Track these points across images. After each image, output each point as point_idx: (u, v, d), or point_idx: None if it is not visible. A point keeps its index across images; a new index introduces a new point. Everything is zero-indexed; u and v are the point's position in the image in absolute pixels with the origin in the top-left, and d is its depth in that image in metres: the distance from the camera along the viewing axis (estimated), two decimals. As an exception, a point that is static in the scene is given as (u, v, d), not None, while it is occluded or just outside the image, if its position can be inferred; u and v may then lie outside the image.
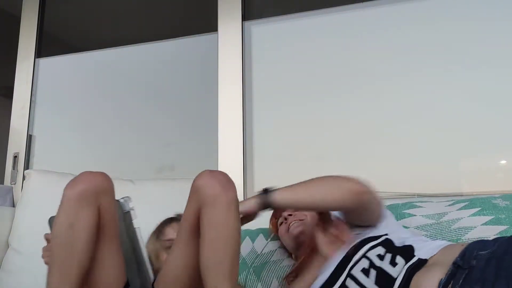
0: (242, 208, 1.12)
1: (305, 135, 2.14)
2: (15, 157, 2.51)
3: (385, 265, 1.03)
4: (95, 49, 2.64)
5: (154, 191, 1.91)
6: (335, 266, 1.12)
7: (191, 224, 1.10)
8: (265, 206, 1.16)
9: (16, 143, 2.54)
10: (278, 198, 1.16)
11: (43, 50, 2.68)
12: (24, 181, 2.09)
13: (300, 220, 1.34)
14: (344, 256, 1.12)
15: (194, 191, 1.10)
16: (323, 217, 1.28)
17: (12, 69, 2.65)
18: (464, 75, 1.96)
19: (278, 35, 2.29)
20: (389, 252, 1.06)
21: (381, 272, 1.03)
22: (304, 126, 2.14)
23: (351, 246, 1.13)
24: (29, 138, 2.55)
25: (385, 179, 1.97)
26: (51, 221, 1.21)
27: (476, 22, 1.98)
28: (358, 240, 1.14)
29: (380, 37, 2.11)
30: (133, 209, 1.26)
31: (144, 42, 2.53)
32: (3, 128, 2.61)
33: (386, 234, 1.14)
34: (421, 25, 2.05)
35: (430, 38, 2.02)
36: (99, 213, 1.09)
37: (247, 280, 1.45)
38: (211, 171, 1.10)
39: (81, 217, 1.06)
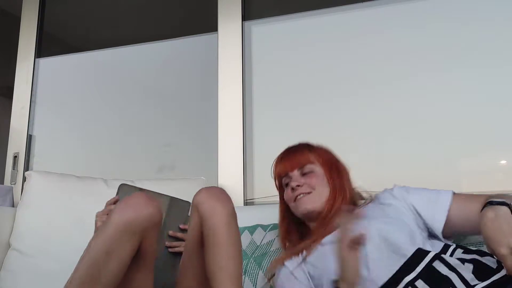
0: None
1: (305, 135, 2.13)
2: (15, 157, 2.51)
3: None
4: (95, 49, 2.64)
5: (154, 191, 1.91)
6: None
7: (197, 237, 1.14)
8: None
9: (16, 143, 2.54)
10: None
11: (43, 50, 2.68)
12: (24, 182, 2.09)
13: (308, 193, 1.22)
14: None
15: (195, 206, 1.15)
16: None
17: (12, 69, 2.65)
18: (464, 75, 1.96)
19: (278, 35, 2.29)
20: None
21: None
22: (304, 126, 2.15)
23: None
24: (29, 138, 2.56)
25: (385, 179, 1.97)
26: (122, 188, 1.25)
27: (476, 22, 1.98)
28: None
29: (380, 37, 2.11)
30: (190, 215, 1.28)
31: (144, 42, 2.53)
32: (3, 128, 2.61)
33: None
34: (421, 26, 2.05)
35: (430, 38, 2.02)
36: (141, 243, 1.05)
37: (248, 268, 1.46)
38: (208, 188, 1.16)
39: (122, 247, 1.01)
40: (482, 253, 1.02)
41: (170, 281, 1.24)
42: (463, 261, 0.98)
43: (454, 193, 1.15)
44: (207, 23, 2.39)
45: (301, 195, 1.23)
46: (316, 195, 1.22)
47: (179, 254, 1.28)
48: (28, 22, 2.69)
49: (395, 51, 2.08)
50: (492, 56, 1.93)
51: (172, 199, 1.32)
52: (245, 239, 1.58)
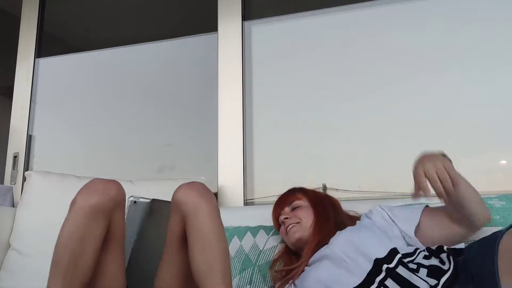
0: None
1: (305, 135, 2.14)
2: (15, 157, 2.51)
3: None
4: (95, 49, 2.64)
5: (154, 191, 1.90)
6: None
7: (178, 236, 1.12)
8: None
9: (16, 143, 2.54)
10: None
11: (43, 50, 2.68)
12: (24, 182, 2.09)
13: (296, 223, 1.37)
14: None
15: (175, 204, 1.12)
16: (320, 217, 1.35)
17: (12, 69, 2.65)
18: (464, 75, 1.96)
19: (278, 35, 2.29)
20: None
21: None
22: (304, 126, 2.15)
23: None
24: (29, 138, 2.56)
25: (385, 179, 1.98)
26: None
27: (476, 23, 1.98)
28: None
29: (380, 37, 2.11)
30: None
31: (144, 42, 2.53)
32: (3, 128, 2.61)
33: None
34: (421, 26, 2.05)
35: (430, 39, 2.02)
36: (109, 224, 1.07)
37: (253, 278, 1.45)
38: (188, 183, 1.14)
39: (92, 231, 1.03)
40: (440, 251, 1.13)
41: None
42: (420, 265, 1.09)
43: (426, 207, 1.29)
44: (207, 23, 2.39)
45: (291, 226, 1.38)
46: (303, 224, 1.37)
47: None
48: (28, 22, 2.69)
49: (395, 51, 2.08)
50: (492, 57, 1.93)
51: (156, 201, 1.30)
52: (248, 241, 1.57)
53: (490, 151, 1.90)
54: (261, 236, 1.58)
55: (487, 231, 1.23)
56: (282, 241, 1.52)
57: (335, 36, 2.19)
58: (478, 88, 1.93)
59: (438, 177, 1.07)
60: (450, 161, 1.16)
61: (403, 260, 1.12)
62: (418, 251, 1.16)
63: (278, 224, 1.48)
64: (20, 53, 2.66)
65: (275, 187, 2.12)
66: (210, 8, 2.35)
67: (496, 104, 1.89)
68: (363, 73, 2.10)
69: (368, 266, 1.12)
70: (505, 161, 1.88)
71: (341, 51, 2.16)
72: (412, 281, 1.05)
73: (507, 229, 0.91)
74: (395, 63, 2.07)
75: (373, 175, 2.00)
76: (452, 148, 1.92)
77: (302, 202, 1.43)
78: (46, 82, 2.64)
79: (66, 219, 1.05)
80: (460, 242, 1.19)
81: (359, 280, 1.10)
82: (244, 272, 1.47)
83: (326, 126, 2.12)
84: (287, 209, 1.45)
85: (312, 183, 2.04)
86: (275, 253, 1.50)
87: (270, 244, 1.54)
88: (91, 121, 2.56)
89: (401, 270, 1.09)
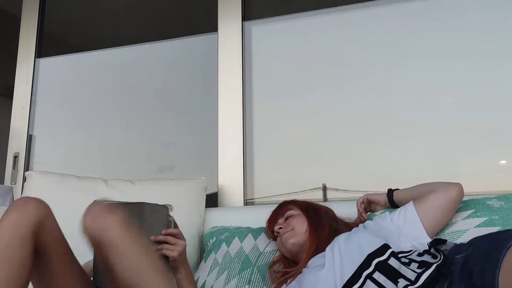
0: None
1: (305, 135, 2.14)
2: (15, 157, 2.51)
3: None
4: (95, 49, 2.64)
5: (154, 191, 1.91)
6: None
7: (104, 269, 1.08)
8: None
9: (16, 143, 2.55)
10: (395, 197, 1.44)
11: (43, 50, 2.68)
12: (24, 182, 2.09)
13: (290, 230, 1.40)
14: None
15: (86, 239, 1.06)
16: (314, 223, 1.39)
17: (12, 69, 2.65)
18: (464, 75, 1.96)
19: (278, 35, 2.30)
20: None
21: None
22: (304, 126, 2.15)
23: None
24: (29, 138, 2.56)
25: (385, 179, 1.97)
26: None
27: (476, 23, 1.98)
28: None
29: (380, 37, 2.11)
30: (172, 218, 1.29)
31: (144, 42, 2.53)
32: (3, 128, 2.61)
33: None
34: (421, 25, 2.05)
35: (430, 38, 2.03)
36: (38, 237, 1.03)
37: (252, 278, 1.45)
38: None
39: (13, 253, 0.99)
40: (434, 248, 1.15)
41: None
42: (412, 260, 1.13)
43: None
44: (207, 23, 2.39)
45: (285, 234, 1.40)
46: (297, 230, 1.39)
47: (165, 257, 1.26)
48: (28, 22, 2.69)
49: (395, 51, 2.08)
50: (492, 56, 1.93)
51: (146, 205, 1.28)
52: (249, 242, 1.57)
53: (490, 151, 1.90)
54: (263, 239, 1.57)
55: (483, 231, 1.23)
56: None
57: (335, 36, 2.19)
58: (478, 88, 1.93)
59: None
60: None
61: (397, 254, 1.13)
62: (414, 250, 1.19)
63: (274, 237, 1.51)
64: (20, 53, 2.66)
65: (275, 187, 2.12)
66: (210, 8, 2.35)
67: (496, 104, 1.90)
68: (363, 73, 2.10)
69: (360, 262, 1.13)
70: (505, 161, 1.88)
71: (341, 51, 2.16)
72: (400, 271, 1.07)
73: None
74: (395, 63, 2.07)
75: (373, 175, 2.00)
76: (452, 148, 1.93)
77: (294, 211, 1.45)
78: (46, 82, 2.64)
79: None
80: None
81: (348, 276, 1.12)
82: (243, 272, 1.47)
83: (326, 126, 2.12)
84: (280, 220, 1.47)
85: (312, 183, 2.05)
86: (275, 255, 1.50)
87: (271, 247, 1.53)
88: (91, 121, 2.56)
89: (392, 261, 1.11)
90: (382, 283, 1.07)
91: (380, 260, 1.11)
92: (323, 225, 1.38)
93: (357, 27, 2.15)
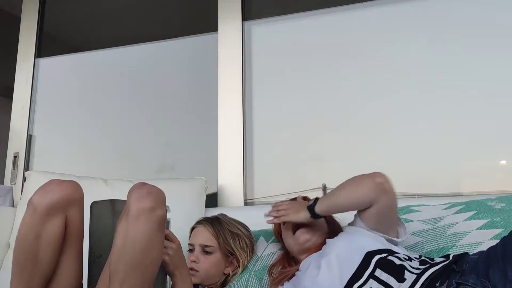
0: (294, 219, 1.28)
1: (305, 135, 2.14)
2: (15, 157, 2.51)
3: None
4: (95, 49, 2.64)
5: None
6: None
7: None
8: (313, 217, 1.27)
9: (16, 143, 2.54)
10: (319, 209, 1.25)
11: (43, 50, 2.68)
12: (24, 182, 2.09)
13: (314, 226, 1.35)
14: None
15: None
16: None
17: (12, 69, 2.65)
18: (464, 75, 1.96)
19: (278, 35, 2.29)
20: None
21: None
22: (304, 126, 2.15)
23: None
24: (29, 138, 2.56)
25: (385, 179, 1.97)
26: (95, 205, 1.21)
27: (476, 23, 1.98)
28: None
29: (380, 37, 2.11)
30: (169, 219, 1.26)
31: (144, 42, 2.53)
32: (3, 128, 2.61)
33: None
34: (422, 26, 2.05)
35: (430, 38, 2.02)
36: (66, 222, 1.08)
37: (249, 283, 1.45)
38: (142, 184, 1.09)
39: (48, 229, 1.04)
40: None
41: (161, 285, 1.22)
42: (411, 258, 1.13)
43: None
44: (207, 23, 2.39)
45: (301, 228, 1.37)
46: (315, 229, 1.36)
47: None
48: (28, 22, 2.69)
49: (395, 51, 2.08)
50: (493, 56, 1.93)
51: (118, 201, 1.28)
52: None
53: (490, 151, 1.90)
54: (260, 243, 1.57)
55: (485, 233, 1.23)
56: (281, 249, 1.51)
57: (335, 36, 2.19)
58: (479, 88, 1.93)
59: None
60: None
61: (395, 252, 1.13)
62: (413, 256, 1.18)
63: (278, 231, 1.47)
64: (20, 53, 2.66)
65: (275, 187, 2.12)
66: (210, 8, 2.35)
67: (496, 104, 1.89)
68: (363, 73, 2.10)
69: (359, 261, 1.12)
70: (505, 161, 1.88)
71: (341, 51, 2.16)
72: (403, 265, 1.06)
73: None
74: (395, 63, 2.07)
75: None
76: (452, 148, 1.93)
77: None
78: (46, 82, 2.64)
79: (23, 220, 1.05)
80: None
81: (348, 276, 1.11)
82: (240, 280, 1.46)
83: (326, 126, 2.12)
84: None
85: (312, 183, 2.05)
86: (273, 258, 1.49)
87: (268, 251, 1.53)
88: (91, 121, 2.56)
89: (392, 258, 1.10)
90: (385, 280, 1.05)
91: (380, 257, 1.11)
92: (335, 233, 1.33)
93: (357, 27, 2.15)
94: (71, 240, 1.10)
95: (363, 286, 1.07)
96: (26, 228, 1.04)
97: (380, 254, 1.12)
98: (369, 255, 1.13)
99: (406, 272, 1.04)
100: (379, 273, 1.07)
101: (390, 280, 1.04)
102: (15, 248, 1.05)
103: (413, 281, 1.01)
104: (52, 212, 1.04)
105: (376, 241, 1.18)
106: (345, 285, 1.10)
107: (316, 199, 1.27)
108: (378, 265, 1.09)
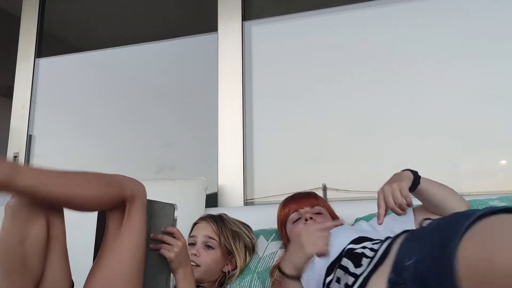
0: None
1: (305, 134, 2.14)
2: (15, 157, 2.51)
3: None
4: (95, 49, 2.64)
5: (154, 191, 1.90)
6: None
7: None
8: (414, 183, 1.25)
9: (16, 143, 2.54)
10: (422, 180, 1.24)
11: (43, 50, 2.68)
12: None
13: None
14: None
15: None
16: None
17: (12, 69, 2.65)
18: (464, 74, 1.96)
19: (278, 35, 2.30)
20: None
21: None
22: (304, 126, 2.15)
23: None
24: (29, 138, 2.56)
25: (385, 179, 1.97)
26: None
27: (477, 22, 1.98)
28: None
29: (380, 37, 2.11)
30: (176, 217, 1.27)
31: (144, 42, 2.53)
32: (3, 128, 2.61)
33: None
34: (421, 25, 2.05)
35: (429, 38, 2.02)
36: (48, 222, 1.04)
37: (252, 285, 1.45)
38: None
39: (31, 232, 1.00)
40: None
41: (159, 283, 1.23)
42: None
43: None
44: (207, 23, 2.39)
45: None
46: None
47: (165, 257, 1.25)
48: (28, 22, 2.69)
49: (395, 51, 2.08)
50: (493, 56, 1.93)
51: (154, 203, 1.28)
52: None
53: (490, 151, 1.90)
54: (261, 242, 1.57)
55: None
56: (282, 247, 1.51)
57: (335, 36, 2.19)
58: (479, 88, 1.93)
59: (393, 197, 1.15)
60: (413, 178, 1.26)
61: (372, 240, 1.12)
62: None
63: (287, 214, 1.46)
64: (20, 53, 2.66)
65: (275, 187, 2.12)
66: (210, 8, 2.35)
67: (496, 104, 1.89)
68: (363, 73, 2.10)
69: (336, 255, 1.14)
70: (505, 161, 1.88)
71: (341, 51, 2.16)
72: (365, 252, 1.06)
73: (464, 231, 0.73)
74: (395, 63, 2.07)
75: (373, 175, 2.00)
76: (453, 148, 1.93)
77: (323, 210, 1.43)
78: (46, 82, 2.64)
79: (2, 225, 1.01)
80: None
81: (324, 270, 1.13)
82: (243, 280, 1.46)
83: (326, 126, 2.12)
84: (308, 209, 1.43)
85: (312, 183, 2.05)
86: (275, 259, 1.49)
87: (269, 251, 1.53)
88: (91, 121, 2.56)
89: (361, 249, 1.09)
90: (345, 265, 1.07)
91: (349, 248, 1.11)
92: None
93: (357, 27, 2.15)
94: (56, 239, 1.07)
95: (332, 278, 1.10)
96: (8, 232, 1.00)
97: (355, 244, 1.13)
98: (346, 249, 1.14)
99: (363, 258, 1.04)
100: (345, 261, 1.08)
101: (349, 264, 1.05)
102: (0, 255, 1.00)
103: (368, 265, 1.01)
104: (32, 217, 1.01)
105: (351, 235, 1.19)
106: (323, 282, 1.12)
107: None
108: (345, 254, 1.10)
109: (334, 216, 1.47)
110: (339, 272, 1.07)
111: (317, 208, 1.43)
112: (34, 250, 1.01)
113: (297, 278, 1.06)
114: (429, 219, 1.14)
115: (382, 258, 0.95)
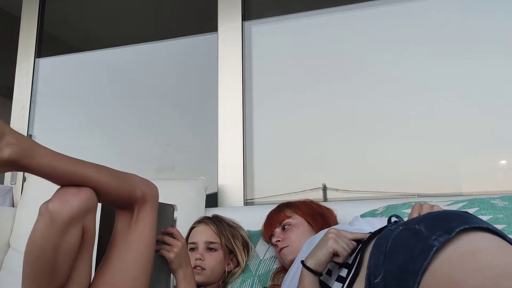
0: None
1: (305, 134, 2.14)
2: (15, 157, 2.51)
3: None
4: (95, 49, 2.64)
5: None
6: None
7: None
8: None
9: (16, 143, 2.54)
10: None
11: (43, 50, 2.68)
12: (24, 182, 2.09)
13: (286, 246, 1.35)
14: None
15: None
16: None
17: (12, 69, 2.65)
18: (464, 75, 1.96)
19: (278, 35, 2.30)
20: None
21: None
22: (304, 126, 2.15)
23: None
24: (29, 138, 2.55)
25: (385, 179, 1.98)
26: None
27: (476, 23, 1.98)
28: None
29: (380, 37, 2.11)
30: (176, 218, 1.28)
31: (144, 42, 2.53)
32: (3, 128, 2.61)
33: None
34: (421, 25, 2.05)
35: (429, 39, 2.02)
36: (82, 230, 1.03)
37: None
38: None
39: (67, 240, 0.98)
40: None
41: (159, 284, 1.23)
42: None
43: None
44: (207, 23, 2.39)
45: (282, 250, 1.36)
46: (294, 246, 1.33)
47: (165, 257, 1.25)
48: (28, 22, 2.69)
49: (395, 52, 2.08)
50: (493, 56, 1.93)
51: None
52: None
53: (490, 151, 1.90)
54: (262, 245, 1.56)
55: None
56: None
57: (335, 36, 2.19)
58: (478, 88, 1.93)
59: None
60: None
61: None
62: None
63: (271, 242, 1.46)
64: (20, 53, 2.66)
65: (275, 187, 2.12)
66: (210, 8, 2.35)
67: (496, 104, 1.90)
68: (363, 73, 2.10)
69: None
70: (505, 161, 1.88)
71: (341, 51, 2.16)
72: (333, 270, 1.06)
73: (431, 256, 0.75)
74: (395, 63, 2.07)
75: (373, 175, 2.00)
76: (453, 148, 1.93)
77: (292, 220, 1.39)
78: (46, 82, 2.64)
79: (37, 229, 0.98)
80: None
81: None
82: (244, 284, 1.46)
83: (326, 126, 2.12)
84: (278, 230, 1.41)
85: (312, 183, 2.05)
86: (275, 264, 1.47)
87: (270, 254, 1.52)
88: (91, 121, 2.56)
89: None
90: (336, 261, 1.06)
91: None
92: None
93: (357, 27, 2.15)
94: (85, 246, 1.06)
95: None
96: (43, 238, 0.97)
97: None
98: None
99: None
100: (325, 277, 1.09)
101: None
102: (29, 258, 0.98)
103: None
104: (71, 224, 0.98)
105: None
106: None
107: None
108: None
109: (324, 215, 1.43)
110: (330, 265, 1.07)
111: (285, 222, 1.40)
112: (66, 257, 0.99)
113: (316, 273, 1.05)
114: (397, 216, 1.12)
115: (358, 267, 0.97)
